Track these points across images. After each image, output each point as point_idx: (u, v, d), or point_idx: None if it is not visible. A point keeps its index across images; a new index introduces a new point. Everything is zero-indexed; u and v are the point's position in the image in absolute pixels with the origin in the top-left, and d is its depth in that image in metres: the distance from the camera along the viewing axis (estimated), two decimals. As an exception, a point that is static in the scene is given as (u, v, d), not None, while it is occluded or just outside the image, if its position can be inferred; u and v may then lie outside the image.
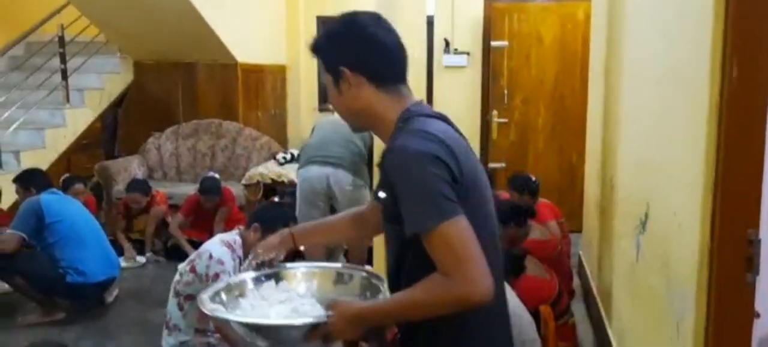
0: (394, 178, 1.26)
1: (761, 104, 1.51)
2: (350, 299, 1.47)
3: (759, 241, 1.55)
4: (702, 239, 1.64)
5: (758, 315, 1.59)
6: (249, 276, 1.60)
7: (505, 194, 4.69)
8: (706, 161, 1.61)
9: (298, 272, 1.65)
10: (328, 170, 3.92)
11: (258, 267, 1.63)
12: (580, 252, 4.44)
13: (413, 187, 1.22)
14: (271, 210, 3.07)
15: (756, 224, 1.56)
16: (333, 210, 4.03)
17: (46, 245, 3.80)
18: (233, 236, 2.69)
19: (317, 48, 1.41)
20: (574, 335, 3.26)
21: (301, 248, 1.71)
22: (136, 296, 4.28)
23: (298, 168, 4.16)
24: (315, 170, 3.96)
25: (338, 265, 1.95)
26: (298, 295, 1.55)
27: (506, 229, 3.76)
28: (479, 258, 1.20)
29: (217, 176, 5.29)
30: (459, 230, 1.20)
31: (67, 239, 3.80)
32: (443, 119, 1.38)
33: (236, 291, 1.56)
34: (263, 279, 1.60)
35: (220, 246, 2.61)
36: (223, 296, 1.51)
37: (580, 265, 4.32)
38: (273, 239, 1.65)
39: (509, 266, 3.14)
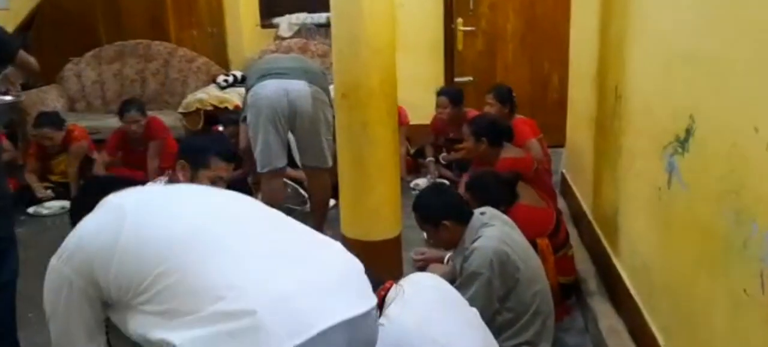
0: None
1: None
2: None
3: None
4: (817, 163, 1.18)
5: None
6: None
7: (473, 112, 4.21)
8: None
9: None
10: (286, 83, 3.28)
11: None
12: (563, 170, 4.03)
13: None
14: (196, 140, 2.53)
15: None
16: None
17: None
18: None
19: None
20: (573, 268, 2.86)
21: None
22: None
23: (248, 88, 3.45)
24: (272, 85, 3.29)
25: None
26: None
27: (477, 145, 3.29)
28: None
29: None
30: None
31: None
32: None
33: None
34: None
35: None
36: None
37: (564, 184, 3.91)
38: None
39: (500, 193, 2.69)
